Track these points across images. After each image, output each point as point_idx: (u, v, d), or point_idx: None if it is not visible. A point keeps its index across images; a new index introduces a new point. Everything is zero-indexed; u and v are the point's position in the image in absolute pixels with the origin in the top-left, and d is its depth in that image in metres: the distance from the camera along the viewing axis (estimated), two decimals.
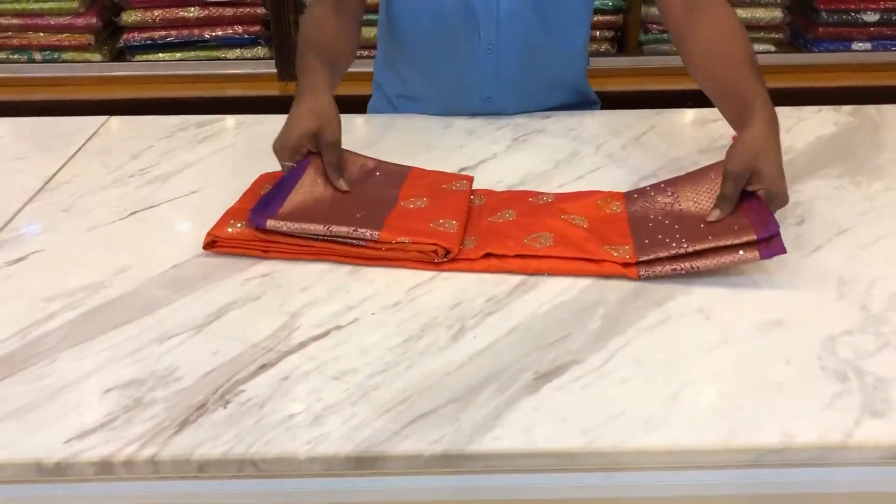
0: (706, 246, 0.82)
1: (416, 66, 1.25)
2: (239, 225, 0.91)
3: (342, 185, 0.97)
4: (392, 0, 1.19)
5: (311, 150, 0.97)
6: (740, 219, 0.85)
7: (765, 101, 0.90)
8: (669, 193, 0.95)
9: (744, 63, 0.95)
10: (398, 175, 1.03)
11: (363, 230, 0.87)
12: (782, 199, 0.86)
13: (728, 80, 0.96)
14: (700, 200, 0.91)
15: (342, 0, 1.13)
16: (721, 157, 0.89)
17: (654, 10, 1.98)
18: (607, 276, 0.84)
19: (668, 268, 0.83)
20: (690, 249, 0.82)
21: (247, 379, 0.71)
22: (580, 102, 1.30)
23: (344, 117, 0.98)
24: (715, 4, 1.02)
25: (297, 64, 1.07)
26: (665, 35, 2.01)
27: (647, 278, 0.83)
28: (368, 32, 1.73)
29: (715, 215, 0.87)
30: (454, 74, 1.21)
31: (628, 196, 0.97)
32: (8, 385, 0.70)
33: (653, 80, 1.96)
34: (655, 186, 0.97)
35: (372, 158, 1.05)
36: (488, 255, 0.87)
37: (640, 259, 0.84)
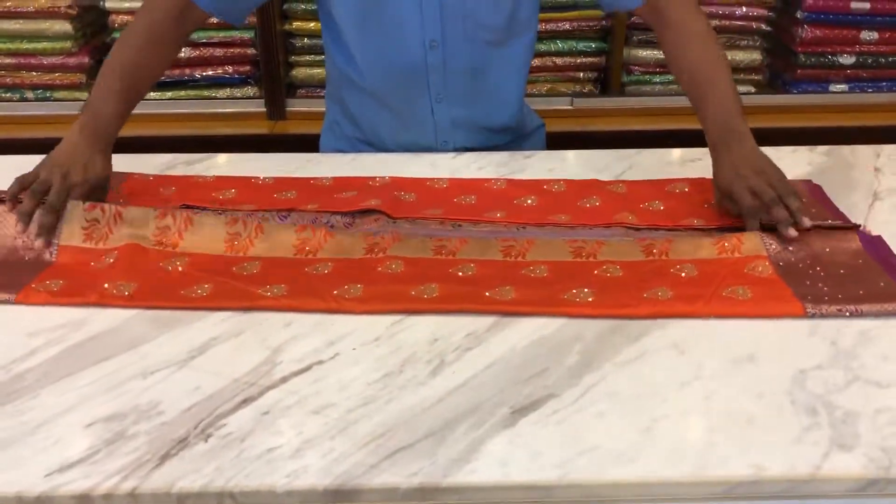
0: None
1: (369, 109, 1.29)
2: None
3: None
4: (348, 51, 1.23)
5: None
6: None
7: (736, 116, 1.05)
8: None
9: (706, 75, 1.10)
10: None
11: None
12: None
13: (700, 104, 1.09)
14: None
15: (189, 19, 1.15)
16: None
17: (635, 52, 2.03)
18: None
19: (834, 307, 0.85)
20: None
21: (228, 413, 0.72)
22: (521, 128, 1.37)
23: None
24: (680, 17, 1.15)
25: (104, 84, 1.10)
26: (647, 77, 2.05)
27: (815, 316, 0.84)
28: None
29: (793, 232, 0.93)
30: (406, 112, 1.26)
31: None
32: None
33: (636, 120, 2.00)
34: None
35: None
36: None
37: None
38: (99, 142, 1.07)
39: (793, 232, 0.92)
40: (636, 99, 2.04)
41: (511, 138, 1.36)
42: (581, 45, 2.02)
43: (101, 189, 1.05)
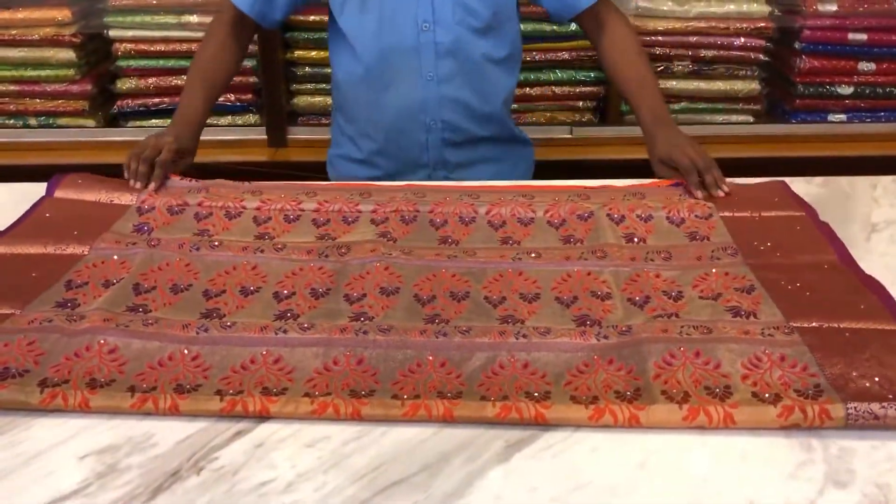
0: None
1: (365, 100, 1.42)
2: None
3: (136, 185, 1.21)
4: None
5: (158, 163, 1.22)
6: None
7: (660, 108, 1.34)
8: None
9: (637, 81, 1.37)
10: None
11: None
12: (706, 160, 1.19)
13: (635, 104, 1.37)
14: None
15: (243, 31, 1.45)
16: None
17: None
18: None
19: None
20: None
21: (222, 446, 0.72)
22: (508, 132, 1.50)
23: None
24: (611, 25, 1.41)
25: (187, 91, 1.40)
26: None
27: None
28: None
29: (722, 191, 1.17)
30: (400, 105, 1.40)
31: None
32: None
33: (635, 149, 2.00)
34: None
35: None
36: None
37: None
38: (186, 124, 1.35)
39: (721, 192, 1.16)
40: (636, 128, 2.04)
41: (497, 138, 1.46)
42: (580, 75, 2.03)
43: (189, 154, 1.34)
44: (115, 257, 1.03)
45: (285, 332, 0.86)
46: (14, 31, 1.93)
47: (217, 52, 1.42)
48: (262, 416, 0.75)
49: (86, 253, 1.04)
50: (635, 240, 1.07)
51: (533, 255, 1.04)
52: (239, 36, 1.45)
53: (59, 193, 1.19)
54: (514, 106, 1.98)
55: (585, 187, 1.23)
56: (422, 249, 1.05)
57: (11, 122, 2.02)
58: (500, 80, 1.43)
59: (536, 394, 0.77)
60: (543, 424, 0.73)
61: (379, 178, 1.44)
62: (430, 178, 1.45)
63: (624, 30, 1.41)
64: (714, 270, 0.98)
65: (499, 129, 1.47)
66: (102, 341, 0.84)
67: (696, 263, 1.01)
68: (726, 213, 1.12)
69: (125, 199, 1.19)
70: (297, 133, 2.03)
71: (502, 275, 0.99)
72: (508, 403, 0.75)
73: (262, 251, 1.05)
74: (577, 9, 1.41)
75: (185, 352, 0.84)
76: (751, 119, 2.09)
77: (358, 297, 0.95)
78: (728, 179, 1.18)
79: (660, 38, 2.00)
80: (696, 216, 1.12)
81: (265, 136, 2.00)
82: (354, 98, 1.45)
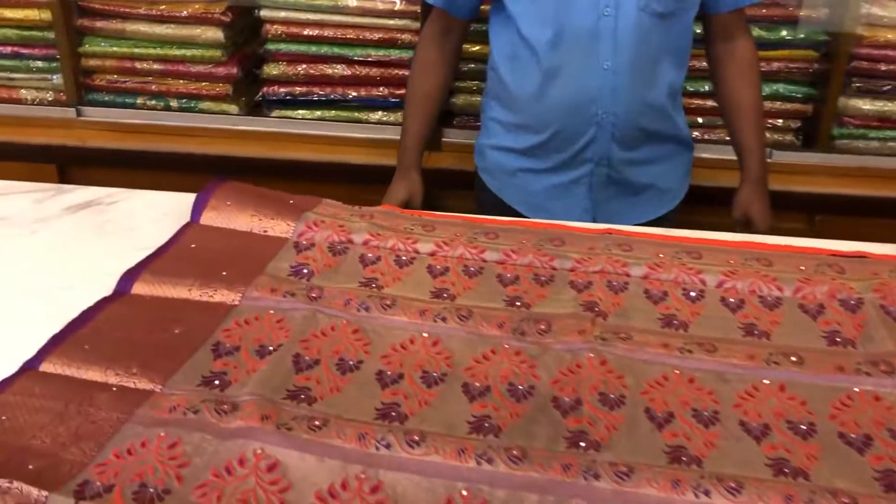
0: None
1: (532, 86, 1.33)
2: None
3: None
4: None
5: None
6: None
7: (756, 159, 1.43)
8: None
9: (748, 112, 1.42)
10: None
11: None
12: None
13: (734, 128, 1.44)
14: None
15: (447, 36, 1.44)
16: None
17: (853, 102, 1.73)
18: None
19: None
20: None
21: None
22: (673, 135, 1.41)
23: None
24: (741, 36, 1.41)
25: (403, 117, 1.52)
26: (862, 131, 1.75)
27: None
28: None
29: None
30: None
31: None
32: None
33: (847, 182, 1.70)
34: None
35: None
36: None
37: None
38: (413, 167, 1.49)
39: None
40: (848, 157, 1.74)
41: (664, 136, 1.37)
42: (787, 90, 1.74)
43: (418, 195, 1.48)
44: (272, 312, 0.84)
45: (489, 461, 0.65)
46: (162, 7, 1.79)
47: (426, 75, 1.45)
48: None
49: (236, 303, 0.86)
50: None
51: (793, 358, 0.79)
52: (443, 44, 1.44)
53: (206, 219, 1.02)
54: (699, 120, 1.73)
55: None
56: (642, 333, 0.83)
57: (153, 102, 1.90)
58: (671, 73, 1.34)
59: None
60: None
61: (537, 172, 1.38)
62: (591, 175, 1.36)
63: (753, 51, 1.42)
64: None
65: (667, 125, 1.37)
66: (259, 451, 0.65)
67: None
68: None
69: (280, 228, 1.01)
70: (453, 136, 1.81)
71: (757, 388, 0.76)
72: None
73: (443, 319, 0.84)
74: (739, 3, 1.36)
75: (363, 476, 0.64)
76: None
77: (571, 404, 0.73)
78: None
79: (890, 51, 1.68)
80: None
81: None
82: (518, 86, 1.34)
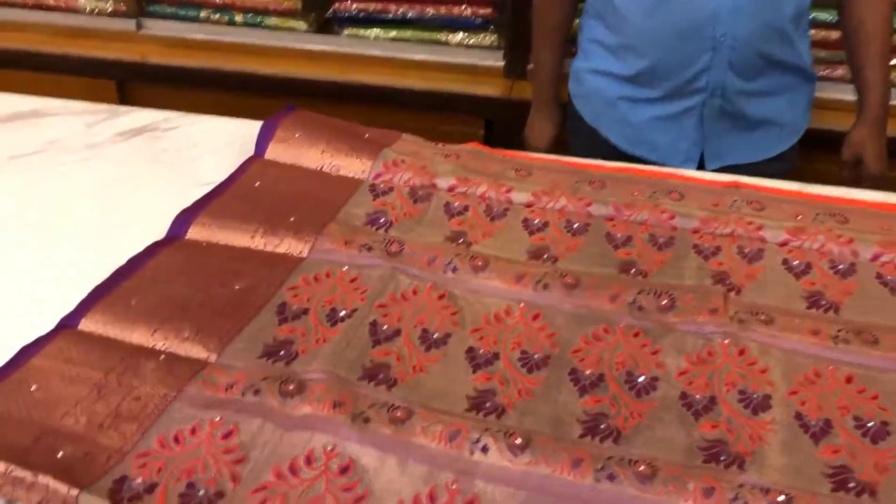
0: None
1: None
2: None
3: None
4: None
5: None
6: None
7: (878, 95, 1.24)
8: None
9: (875, 41, 1.22)
10: None
11: None
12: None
13: (857, 61, 1.26)
14: None
15: None
16: None
17: None
18: None
19: None
20: None
21: None
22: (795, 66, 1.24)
23: None
24: None
25: (532, 48, 1.44)
26: None
27: None
28: None
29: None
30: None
31: None
32: None
33: None
34: None
35: None
36: None
37: None
38: (549, 101, 1.42)
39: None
40: None
41: (785, 65, 1.21)
42: None
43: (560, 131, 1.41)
44: (345, 269, 0.72)
45: (611, 477, 0.53)
46: None
47: (551, 3, 1.37)
48: None
49: (304, 255, 0.74)
50: None
51: None
52: None
53: (271, 153, 0.90)
54: (822, 54, 1.53)
55: None
56: (786, 315, 0.69)
57: (217, 16, 1.76)
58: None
59: None
60: None
61: (641, 102, 1.24)
62: (703, 107, 1.21)
63: None
64: None
65: (791, 53, 1.21)
66: (331, 448, 0.54)
67: None
68: None
69: (354, 167, 0.88)
70: None
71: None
72: None
73: (545, 287, 0.71)
74: None
75: (454, 488, 0.53)
76: None
77: (705, 404, 0.60)
78: None
79: None
80: None
81: (501, 63, 1.64)
82: (624, 3, 1.20)
